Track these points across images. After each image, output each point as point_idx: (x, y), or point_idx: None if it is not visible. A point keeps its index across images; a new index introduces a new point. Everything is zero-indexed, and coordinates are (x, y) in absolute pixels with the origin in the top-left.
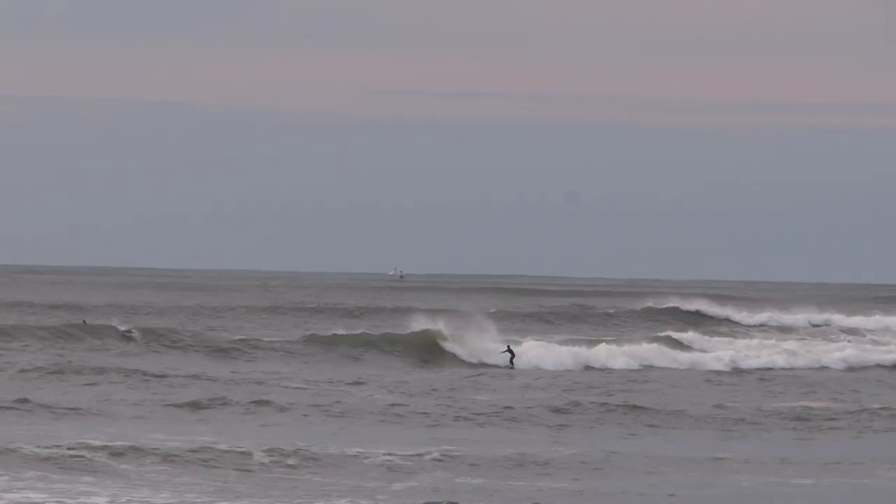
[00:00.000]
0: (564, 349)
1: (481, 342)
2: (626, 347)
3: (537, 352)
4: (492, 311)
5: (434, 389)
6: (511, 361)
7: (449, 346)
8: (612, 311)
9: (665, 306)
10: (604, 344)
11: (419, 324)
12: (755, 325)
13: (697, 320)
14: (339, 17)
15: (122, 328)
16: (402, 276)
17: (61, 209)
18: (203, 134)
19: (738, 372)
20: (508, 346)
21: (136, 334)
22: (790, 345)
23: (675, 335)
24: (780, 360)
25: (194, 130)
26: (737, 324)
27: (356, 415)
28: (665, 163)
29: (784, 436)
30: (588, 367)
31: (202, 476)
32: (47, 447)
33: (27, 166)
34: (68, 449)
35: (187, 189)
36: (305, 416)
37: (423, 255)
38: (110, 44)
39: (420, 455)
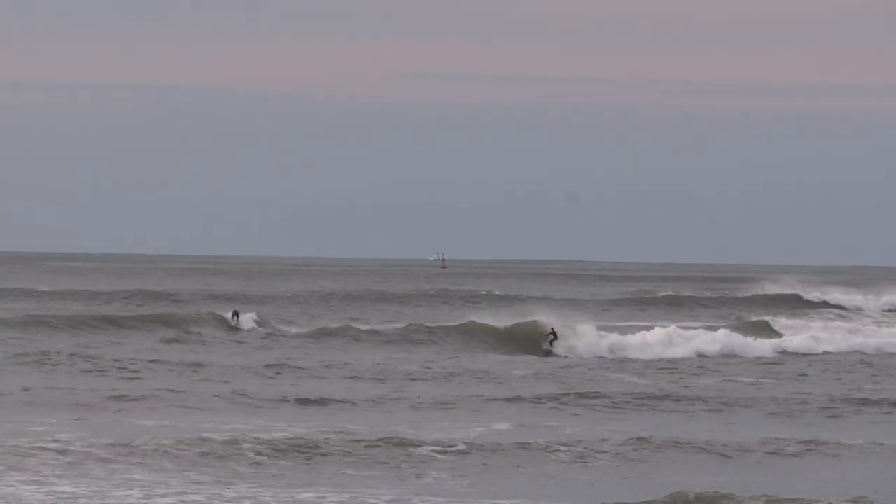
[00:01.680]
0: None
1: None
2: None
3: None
4: (585, 298)
5: None
6: (551, 344)
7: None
8: (708, 295)
9: (774, 293)
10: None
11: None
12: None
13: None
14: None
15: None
16: (444, 263)
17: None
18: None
19: None
20: (553, 329)
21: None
22: None
23: None
24: None
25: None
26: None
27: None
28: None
29: None
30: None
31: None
32: None
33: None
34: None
35: (224, 178)
36: None
37: (461, 241)
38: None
39: None
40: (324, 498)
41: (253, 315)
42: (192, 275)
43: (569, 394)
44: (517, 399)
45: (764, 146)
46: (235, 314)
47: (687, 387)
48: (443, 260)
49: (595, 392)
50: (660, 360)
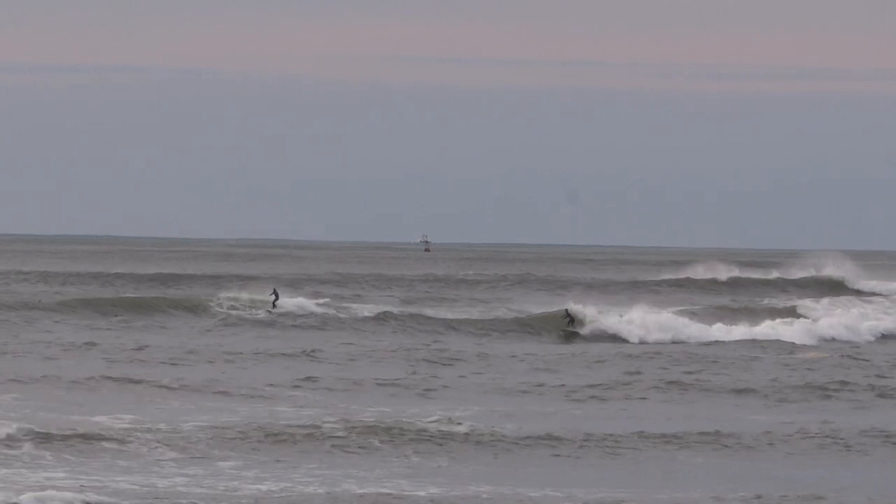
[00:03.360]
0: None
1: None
2: None
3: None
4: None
5: None
6: (569, 325)
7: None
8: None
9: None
10: None
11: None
12: None
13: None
14: None
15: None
16: (428, 246)
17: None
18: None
19: None
20: (567, 310)
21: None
22: None
23: None
24: None
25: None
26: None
27: None
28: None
29: None
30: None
31: None
32: None
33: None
34: None
35: (210, 161)
36: None
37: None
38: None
39: None
40: None
41: (302, 296)
42: (189, 258)
43: None
44: None
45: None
46: (275, 295)
47: None
48: (426, 243)
49: None
50: None
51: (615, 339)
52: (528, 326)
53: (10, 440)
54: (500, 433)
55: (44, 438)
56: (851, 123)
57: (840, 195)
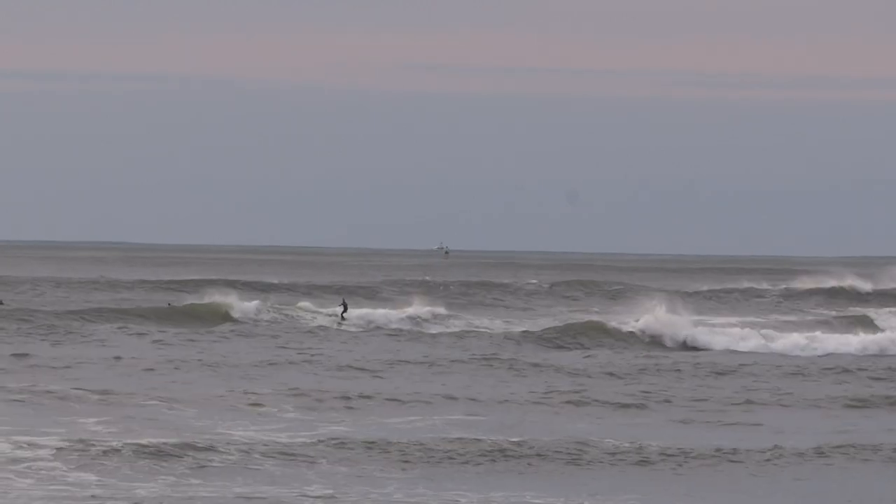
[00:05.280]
0: None
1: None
2: None
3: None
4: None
5: None
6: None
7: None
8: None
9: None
10: None
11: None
12: None
13: None
14: None
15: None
16: (446, 252)
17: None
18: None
19: None
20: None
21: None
22: None
23: None
24: None
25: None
26: None
27: None
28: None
29: None
30: None
31: None
32: None
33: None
34: None
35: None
36: None
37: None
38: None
39: None
40: None
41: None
42: (219, 264)
43: None
44: None
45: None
46: (343, 306)
47: None
48: (445, 250)
49: None
50: None
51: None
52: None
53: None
54: None
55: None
56: (856, 131)
57: (848, 200)
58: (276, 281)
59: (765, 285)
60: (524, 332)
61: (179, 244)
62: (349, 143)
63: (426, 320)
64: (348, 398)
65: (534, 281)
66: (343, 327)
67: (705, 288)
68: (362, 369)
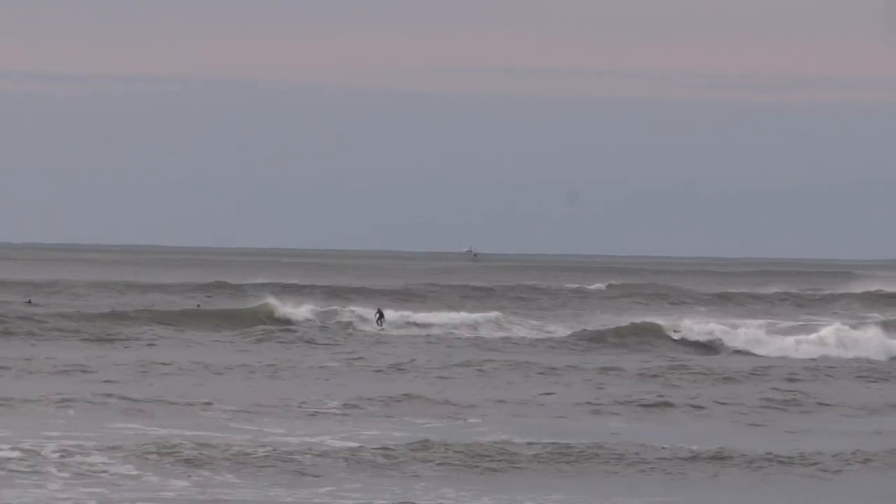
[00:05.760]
0: None
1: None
2: None
3: None
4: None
5: None
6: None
7: None
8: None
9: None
10: None
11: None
12: None
13: None
14: None
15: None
16: (475, 256)
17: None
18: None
19: None
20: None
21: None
22: None
23: None
24: None
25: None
26: None
27: None
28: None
29: None
30: None
31: None
32: None
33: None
34: None
35: (251, 169)
36: None
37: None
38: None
39: None
40: None
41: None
42: (240, 267)
43: None
44: None
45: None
46: (379, 314)
47: None
48: (474, 253)
49: None
50: None
51: None
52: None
53: None
54: None
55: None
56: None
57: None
58: (313, 283)
59: (826, 290)
60: (591, 334)
61: (188, 247)
62: (375, 142)
63: (481, 324)
64: (419, 402)
65: (599, 285)
66: (393, 332)
67: (772, 291)
68: (422, 373)
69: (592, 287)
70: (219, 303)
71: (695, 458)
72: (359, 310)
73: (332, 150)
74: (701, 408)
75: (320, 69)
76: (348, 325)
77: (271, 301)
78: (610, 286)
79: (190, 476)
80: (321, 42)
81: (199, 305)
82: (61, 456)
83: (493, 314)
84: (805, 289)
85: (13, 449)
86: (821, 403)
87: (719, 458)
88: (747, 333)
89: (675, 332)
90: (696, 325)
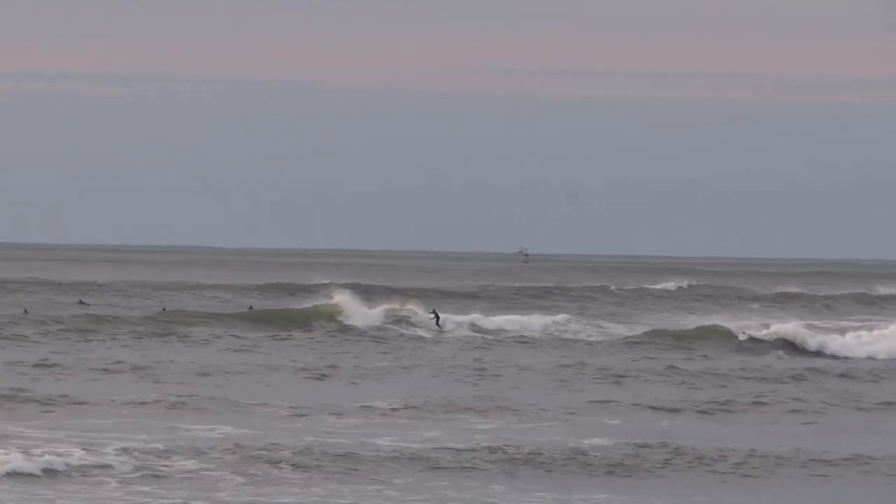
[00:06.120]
0: None
1: None
2: None
3: None
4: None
5: None
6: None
7: None
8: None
9: None
10: None
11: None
12: None
13: None
14: None
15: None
16: (526, 257)
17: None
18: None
19: None
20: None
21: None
22: None
23: None
24: None
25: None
26: None
27: None
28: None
29: None
30: None
31: None
32: None
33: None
34: None
35: (306, 171)
36: None
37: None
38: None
39: None
40: None
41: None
42: (288, 268)
43: None
44: None
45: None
46: (435, 315)
47: None
48: (525, 254)
49: None
50: None
51: None
52: None
53: None
54: None
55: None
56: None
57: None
58: (367, 283)
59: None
60: (670, 334)
61: (237, 248)
62: (402, 142)
63: (551, 326)
64: (498, 405)
65: (667, 285)
66: (459, 334)
67: (841, 293)
68: (496, 375)
69: (658, 287)
70: (272, 303)
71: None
72: (419, 310)
73: (377, 150)
74: None
75: (365, 70)
76: (411, 325)
77: (338, 299)
78: (681, 288)
79: (251, 475)
80: (363, 42)
81: (251, 307)
82: (127, 457)
83: (561, 316)
84: (858, 290)
85: (83, 449)
86: None
87: None
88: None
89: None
90: (800, 329)
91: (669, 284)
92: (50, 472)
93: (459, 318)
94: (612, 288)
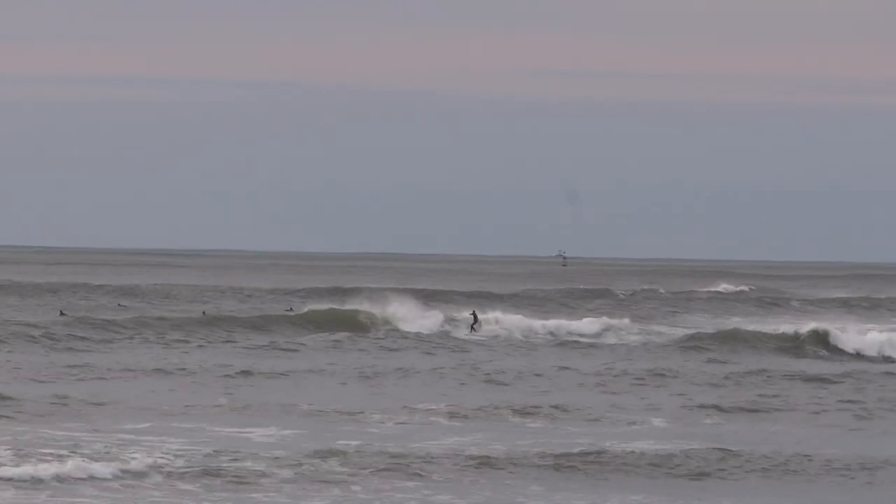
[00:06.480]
0: None
1: None
2: None
3: None
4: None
5: None
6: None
7: None
8: None
9: None
10: None
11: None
12: None
13: None
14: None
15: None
16: (564, 260)
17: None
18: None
19: None
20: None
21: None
22: None
23: None
24: None
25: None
26: None
27: None
28: None
29: None
30: None
31: None
32: None
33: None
34: None
35: (341, 173)
36: None
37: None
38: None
39: None
40: None
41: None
42: (325, 271)
43: None
44: None
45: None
46: (474, 317)
47: None
48: (564, 257)
49: None
50: None
51: None
52: None
53: None
54: None
55: None
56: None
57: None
58: (409, 287)
59: None
60: (721, 336)
61: (271, 251)
62: (446, 147)
63: (607, 330)
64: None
65: (728, 286)
66: (520, 337)
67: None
68: (538, 376)
69: (709, 290)
70: (315, 306)
71: None
72: (465, 312)
73: (411, 156)
74: None
75: (403, 73)
76: (458, 327)
77: (383, 303)
78: (741, 291)
79: (301, 474)
80: (406, 46)
81: (290, 309)
82: (175, 458)
83: (624, 320)
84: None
85: (165, 455)
86: None
87: None
88: None
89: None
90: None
91: (722, 287)
92: (122, 474)
93: (510, 317)
94: (661, 291)
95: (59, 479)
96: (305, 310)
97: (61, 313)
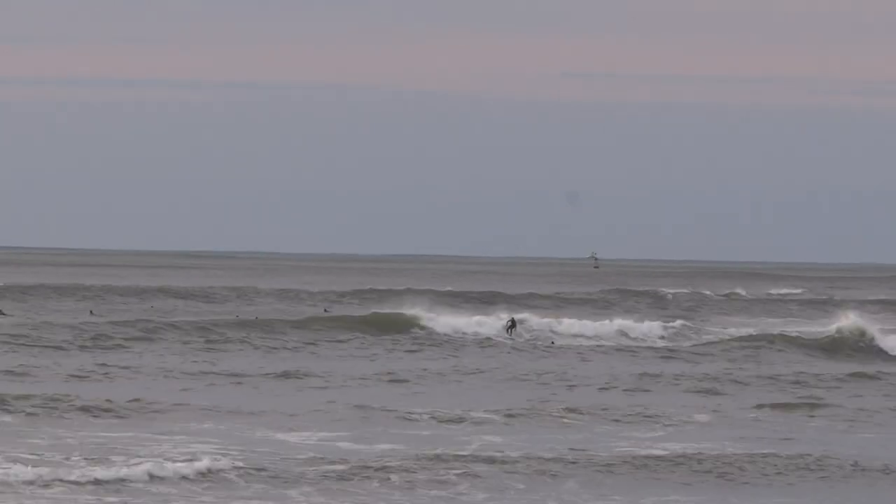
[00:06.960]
0: None
1: None
2: None
3: None
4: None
5: None
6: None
7: None
8: None
9: None
10: None
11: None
12: None
13: None
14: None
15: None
16: (597, 261)
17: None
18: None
19: None
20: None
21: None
22: None
23: None
24: None
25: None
26: None
27: None
28: None
29: None
30: None
31: None
32: None
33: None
34: None
35: (375, 175)
36: None
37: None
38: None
39: None
40: None
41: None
42: (360, 273)
43: None
44: None
45: None
46: (512, 322)
47: None
48: (595, 259)
49: None
50: None
51: None
52: None
53: None
54: None
55: None
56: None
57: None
58: (451, 289)
59: None
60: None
61: (315, 254)
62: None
63: (667, 333)
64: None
65: (791, 289)
66: (573, 343)
67: None
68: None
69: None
70: (352, 309)
71: None
72: (504, 316)
73: (455, 159)
74: None
75: (445, 75)
76: (493, 330)
77: (419, 306)
78: (795, 296)
79: (331, 479)
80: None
81: (326, 310)
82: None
83: (677, 322)
84: None
85: (227, 458)
86: None
87: None
88: None
89: None
90: None
91: (791, 289)
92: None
93: (544, 321)
94: (707, 293)
95: (141, 479)
96: (344, 313)
97: (91, 313)
